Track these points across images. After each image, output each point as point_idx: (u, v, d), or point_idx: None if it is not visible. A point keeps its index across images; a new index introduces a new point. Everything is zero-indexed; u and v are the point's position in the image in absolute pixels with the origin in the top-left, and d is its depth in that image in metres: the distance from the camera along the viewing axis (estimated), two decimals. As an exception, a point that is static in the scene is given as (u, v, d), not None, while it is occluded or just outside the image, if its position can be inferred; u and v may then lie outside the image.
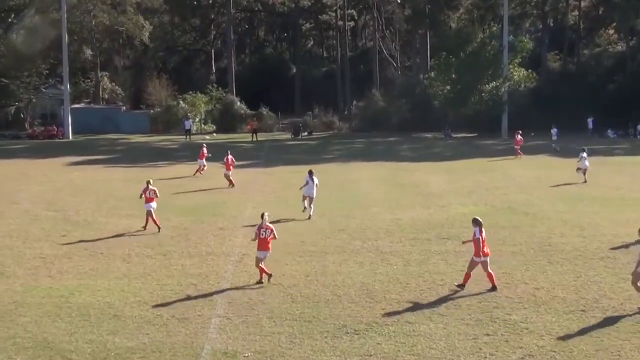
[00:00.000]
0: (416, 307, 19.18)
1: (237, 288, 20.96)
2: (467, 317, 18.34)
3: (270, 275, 21.57)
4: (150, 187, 29.38)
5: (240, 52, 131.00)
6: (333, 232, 28.49)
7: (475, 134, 79.15)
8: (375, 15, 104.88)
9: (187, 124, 79.23)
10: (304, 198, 32.76)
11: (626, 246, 25.20)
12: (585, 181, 41.31)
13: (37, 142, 74.74)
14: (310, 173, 33.24)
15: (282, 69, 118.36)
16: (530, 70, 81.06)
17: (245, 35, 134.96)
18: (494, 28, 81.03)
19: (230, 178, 41.73)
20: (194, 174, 47.06)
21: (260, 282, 21.47)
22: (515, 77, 79.88)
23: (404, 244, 26.27)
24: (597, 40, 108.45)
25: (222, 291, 20.68)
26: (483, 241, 20.31)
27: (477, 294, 20.05)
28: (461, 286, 20.64)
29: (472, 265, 20.64)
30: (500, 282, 21.04)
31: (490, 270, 20.57)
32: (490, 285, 20.53)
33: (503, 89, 78.63)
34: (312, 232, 28.47)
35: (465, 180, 43.32)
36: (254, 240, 21.86)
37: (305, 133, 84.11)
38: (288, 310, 18.94)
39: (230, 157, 42.28)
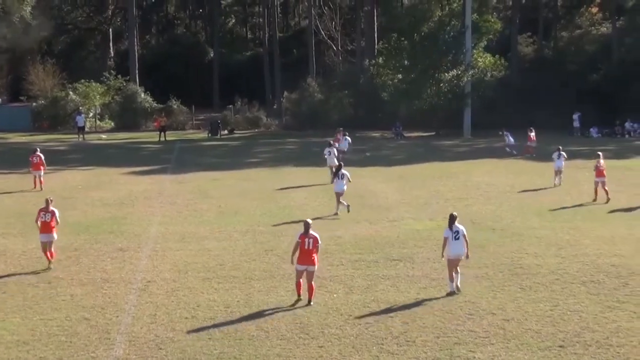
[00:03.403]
0: (360, 344, 19.22)
1: (140, 323, 20.77)
2: (423, 355, 18.43)
3: (49, 262, 26.14)
4: None
5: (145, 31, 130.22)
6: (259, 253, 28.42)
7: (433, 133, 79.78)
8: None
9: (79, 120, 78.30)
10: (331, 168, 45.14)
11: (614, 266, 25.65)
12: (556, 185, 43.94)
13: None
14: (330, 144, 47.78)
15: (197, 53, 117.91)
16: (498, 56, 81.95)
17: (151, 10, 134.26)
18: (455, 5, 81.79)
19: (42, 179, 43.85)
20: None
21: (49, 267, 26.01)
22: (480, 64, 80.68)
23: (345, 267, 26.32)
24: (578, 20, 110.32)
25: (122, 327, 20.48)
26: (306, 249, 22.34)
27: (434, 327, 20.18)
28: (298, 298, 22.52)
29: (296, 273, 22.70)
30: (463, 313, 21.23)
31: (313, 284, 22.43)
32: (308, 299, 22.31)
33: (465, 79, 79.36)
34: (233, 253, 28.37)
35: (419, 190, 43.58)
36: (36, 222, 26.56)
37: (225, 131, 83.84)
38: (204, 350, 18.82)
39: (38, 154, 44.07)
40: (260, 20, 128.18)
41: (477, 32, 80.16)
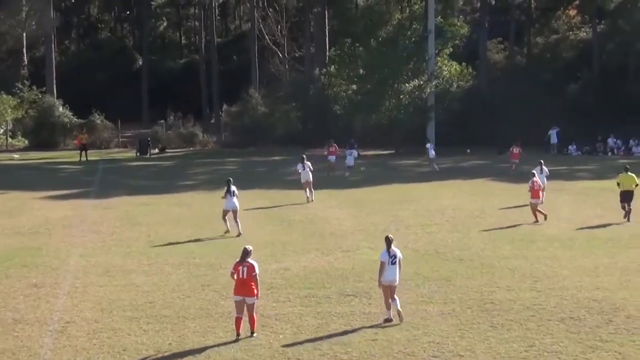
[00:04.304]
0: (310, 391, 19.15)
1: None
2: (381, 404, 18.40)
3: None
4: None
5: (63, 36, 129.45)
6: (194, 288, 28.27)
7: (392, 151, 79.99)
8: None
9: (-12, 137, 77.88)
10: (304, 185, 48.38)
11: (597, 302, 25.81)
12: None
13: None
14: (302, 160, 48.77)
15: (123, 61, 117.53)
16: (464, 64, 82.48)
17: (71, 12, 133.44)
18: (416, 7, 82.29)
19: None
20: (330, 174, 60.12)
21: None
22: (444, 73, 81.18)
23: (293, 303, 26.25)
24: (554, 24, 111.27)
25: (36, 375, 20.28)
26: (241, 278, 22.74)
27: (395, 372, 20.17)
28: (237, 337, 22.66)
29: (235, 306, 23.03)
30: (426, 355, 21.21)
31: (254, 315, 22.95)
32: (250, 330, 22.86)
33: (428, 90, 79.78)
34: (165, 289, 28.18)
35: (377, 215, 43.66)
36: None
37: (156, 150, 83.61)
38: (130, 400, 18.68)
39: None
40: (196, 23, 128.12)
41: (441, 37, 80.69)
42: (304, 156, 50.23)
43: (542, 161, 47.39)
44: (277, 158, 74.88)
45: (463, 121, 79.35)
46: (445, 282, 28.55)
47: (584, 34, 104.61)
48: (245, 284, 22.60)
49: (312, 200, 47.90)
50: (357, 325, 23.87)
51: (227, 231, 38.19)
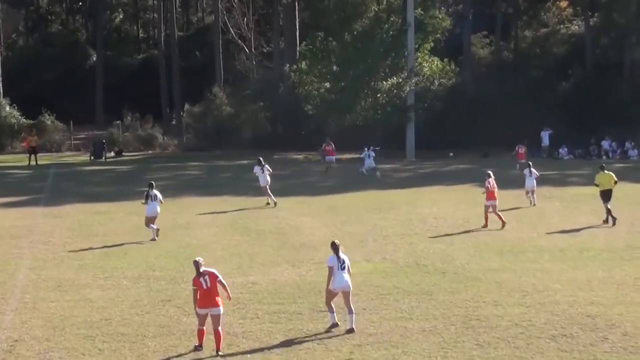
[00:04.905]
0: (281, 416, 19.13)
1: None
2: None
3: None
4: None
5: (10, 29, 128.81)
6: (154, 304, 28.19)
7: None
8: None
9: None
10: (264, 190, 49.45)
11: (592, 318, 25.88)
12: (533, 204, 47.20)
13: None
14: (259, 162, 49.96)
15: (75, 57, 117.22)
16: (447, 60, 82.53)
17: (18, 3, 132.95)
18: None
19: None
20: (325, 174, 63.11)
21: None
22: (425, 69, 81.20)
23: (262, 320, 26.20)
24: (543, 17, 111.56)
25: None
26: (206, 289, 22.83)
27: (373, 395, 20.16)
28: (198, 347, 22.96)
29: (198, 318, 23.16)
30: (407, 376, 21.24)
31: (220, 329, 22.84)
32: (215, 348, 22.72)
33: (408, 88, 79.76)
34: (122, 305, 28.08)
35: (353, 224, 43.63)
36: None
37: (112, 154, 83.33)
38: None
39: None
40: (155, 15, 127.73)
41: (421, 30, 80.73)
42: (261, 158, 51.23)
43: (530, 163, 49.36)
44: (244, 162, 74.63)
45: (445, 122, 79.37)
46: (426, 297, 28.55)
47: (576, 27, 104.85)
48: (211, 294, 22.64)
49: (272, 205, 49.12)
50: (330, 343, 23.83)
51: (154, 239, 39.23)
